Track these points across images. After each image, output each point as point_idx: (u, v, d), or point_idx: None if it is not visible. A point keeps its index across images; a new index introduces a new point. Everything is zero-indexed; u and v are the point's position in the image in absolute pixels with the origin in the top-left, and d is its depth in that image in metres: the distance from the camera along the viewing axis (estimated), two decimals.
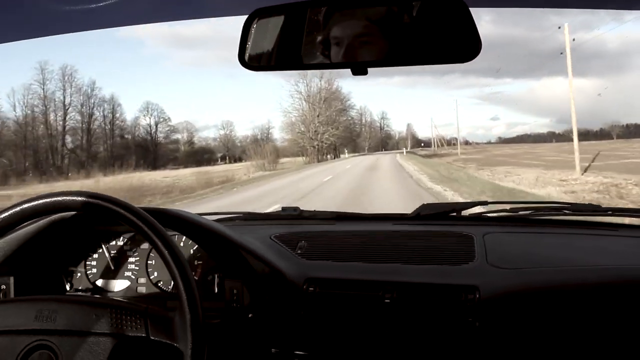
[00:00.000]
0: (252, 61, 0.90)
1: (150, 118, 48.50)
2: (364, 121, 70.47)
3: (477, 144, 66.31)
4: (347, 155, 58.01)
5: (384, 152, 64.81)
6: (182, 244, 1.27)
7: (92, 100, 44.55)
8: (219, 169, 36.77)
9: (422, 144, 74.27)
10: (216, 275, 1.23)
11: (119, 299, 0.93)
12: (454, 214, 1.53)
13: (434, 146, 61.49)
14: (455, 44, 0.80)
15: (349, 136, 59.96)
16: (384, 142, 78.24)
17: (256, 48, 0.90)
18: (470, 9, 0.78)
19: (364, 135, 70.67)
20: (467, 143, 65.11)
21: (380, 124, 78.13)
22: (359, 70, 0.85)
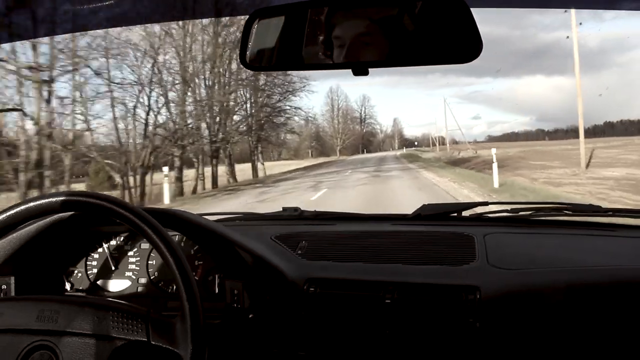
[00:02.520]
0: (253, 61, 0.91)
1: None
2: (335, 109, 46.66)
3: (469, 142, 51.27)
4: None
5: (376, 160, 33.45)
6: (182, 244, 1.27)
7: None
8: None
9: (416, 143, 60.10)
10: (217, 276, 1.23)
11: (121, 301, 0.93)
12: (455, 214, 1.53)
13: (438, 145, 46.62)
14: (456, 44, 0.80)
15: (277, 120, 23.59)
16: (366, 141, 55.15)
17: (257, 48, 0.90)
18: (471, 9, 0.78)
19: (335, 128, 44.93)
20: (455, 142, 52.71)
21: (361, 114, 54.26)
22: (360, 70, 0.85)
